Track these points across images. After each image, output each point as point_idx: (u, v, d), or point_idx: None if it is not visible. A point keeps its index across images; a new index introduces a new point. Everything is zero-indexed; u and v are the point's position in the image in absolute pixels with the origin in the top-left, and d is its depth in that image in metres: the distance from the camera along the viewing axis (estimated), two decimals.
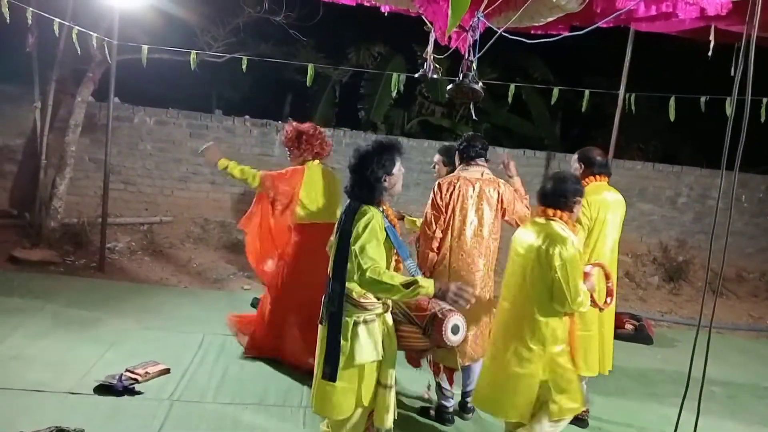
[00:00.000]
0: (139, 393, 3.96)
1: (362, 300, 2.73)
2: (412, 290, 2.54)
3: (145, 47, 6.56)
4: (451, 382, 3.95)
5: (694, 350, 1.87)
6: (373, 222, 2.70)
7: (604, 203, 3.93)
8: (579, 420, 4.04)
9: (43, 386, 3.92)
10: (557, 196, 3.10)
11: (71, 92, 7.55)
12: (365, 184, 2.80)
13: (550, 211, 3.09)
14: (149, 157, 8.43)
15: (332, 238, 2.90)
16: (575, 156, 4.20)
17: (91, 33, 6.07)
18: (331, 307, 2.75)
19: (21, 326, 4.87)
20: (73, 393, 3.88)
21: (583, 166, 4.07)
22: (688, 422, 2.51)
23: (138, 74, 7.34)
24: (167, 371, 4.29)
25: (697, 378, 2.42)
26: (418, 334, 2.88)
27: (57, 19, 5.74)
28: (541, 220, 3.10)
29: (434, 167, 4.44)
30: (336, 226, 2.89)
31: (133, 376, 4.09)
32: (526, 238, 3.09)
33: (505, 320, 3.17)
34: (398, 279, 2.57)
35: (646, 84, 7.57)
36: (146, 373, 4.16)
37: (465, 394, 4.06)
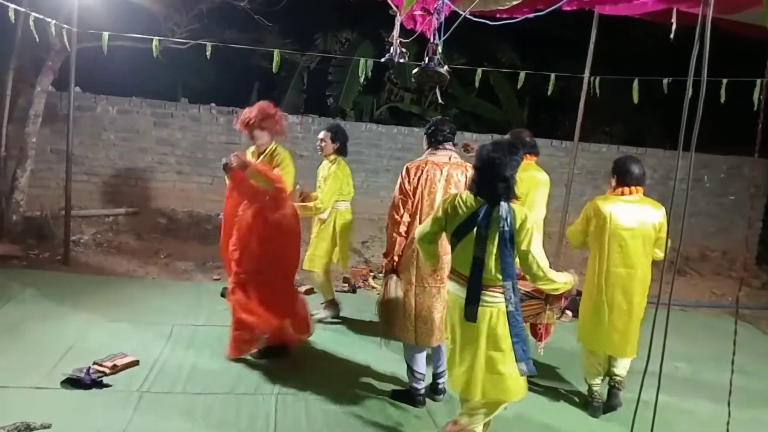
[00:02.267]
0: (107, 386, 3.90)
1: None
2: (563, 285, 3.11)
3: (105, 34, 6.41)
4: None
5: (653, 327, 1.91)
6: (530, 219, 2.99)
7: (534, 181, 4.42)
8: None
9: (8, 382, 3.84)
10: (644, 177, 4.08)
11: (30, 82, 7.33)
12: (507, 184, 2.96)
13: (642, 189, 4.03)
14: (113, 147, 8.29)
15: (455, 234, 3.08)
16: (507, 137, 4.60)
17: (50, 20, 5.91)
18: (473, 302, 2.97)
19: None
20: (39, 388, 3.81)
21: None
22: (652, 398, 2.56)
23: (99, 62, 7.19)
24: (136, 363, 4.24)
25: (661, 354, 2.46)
26: (540, 304, 3.38)
27: (12, 5, 5.57)
28: (638, 197, 4.01)
29: (321, 144, 5.33)
30: (463, 222, 3.02)
31: (101, 369, 4.03)
32: (638, 212, 3.95)
33: (630, 283, 3.98)
34: (559, 276, 3.09)
35: (612, 67, 7.65)
36: (114, 365, 4.10)
37: (436, 376, 4.09)
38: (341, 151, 5.38)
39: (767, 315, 7.31)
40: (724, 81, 5.99)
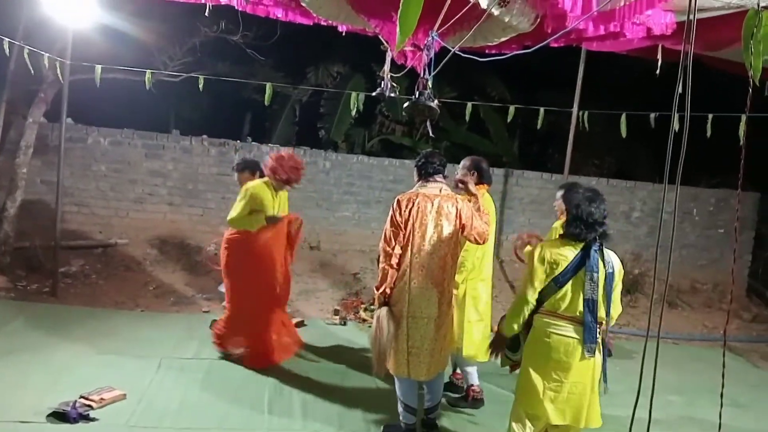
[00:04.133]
0: (93, 420, 3.84)
1: None
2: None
3: (98, 67, 6.46)
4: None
5: (644, 358, 1.91)
6: None
7: (489, 207, 4.52)
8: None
9: None
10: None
11: (22, 113, 7.35)
12: (605, 228, 3.21)
13: None
14: (103, 178, 8.27)
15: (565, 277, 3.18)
16: (467, 163, 4.68)
17: (43, 53, 5.96)
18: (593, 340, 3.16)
19: None
20: (24, 422, 3.74)
21: (476, 173, 4.57)
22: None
23: (92, 94, 7.21)
24: (123, 397, 4.17)
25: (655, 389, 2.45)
26: None
27: (7, 39, 5.62)
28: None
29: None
30: (567, 268, 3.16)
31: (88, 402, 3.97)
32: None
33: None
34: None
35: (601, 101, 7.79)
36: (101, 399, 4.03)
37: (428, 411, 4.05)
38: None
39: (758, 348, 7.32)
40: (710, 116, 6.10)
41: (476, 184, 4.40)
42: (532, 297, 3.21)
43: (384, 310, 3.78)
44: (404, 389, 3.90)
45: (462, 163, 4.72)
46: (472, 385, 4.63)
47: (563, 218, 4.79)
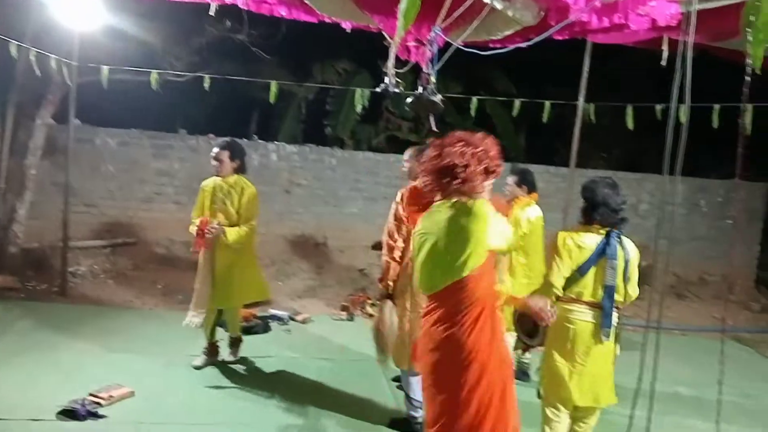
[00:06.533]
0: (102, 417, 3.87)
1: None
2: None
3: (105, 69, 6.50)
4: None
5: (644, 350, 1.92)
6: None
7: (538, 221, 4.83)
8: None
9: (4, 414, 3.80)
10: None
11: (31, 115, 7.40)
12: (624, 216, 3.32)
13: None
14: (112, 178, 8.33)
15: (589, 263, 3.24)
16: (516, 178, 4.90)
17: (51, 55, 5.99)
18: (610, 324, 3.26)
19: None
20: (35, 420, 3.78)
21: (525, 186, 4.85)
22: (655, 422, 2.56)
23: (99, 95, 7.26)
24: (131, 394, 4.21)
25: (663, 379, 2.46)
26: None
27: (15, 41, 5.66)
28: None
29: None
30: (591, 256, 3.22)
31: (97, 400, 4.00)
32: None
33: None
34: None
35: (608, 93, 7.75)
36: (110, 396, 4.07)
37: None
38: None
39: (767, 338, 7.28)
40: (716, 106, 6.06)
41: (527, 194, 4.85)
42: (559, 282, 3.26)
43: (387, 302, 3.79)
44: (408, 382, 3.91)
45: (509, 179, 4.92)
46: None
47: (518, 202, 4.84)
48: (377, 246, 4.80)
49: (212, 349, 4.92)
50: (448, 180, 2.72)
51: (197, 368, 4.78)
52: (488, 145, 2.77)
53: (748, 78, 1.62)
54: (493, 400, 2.70)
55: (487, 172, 2.78)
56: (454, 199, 2.76)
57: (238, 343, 5.11)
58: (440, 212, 2.80)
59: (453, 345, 2.69)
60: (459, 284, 2.71)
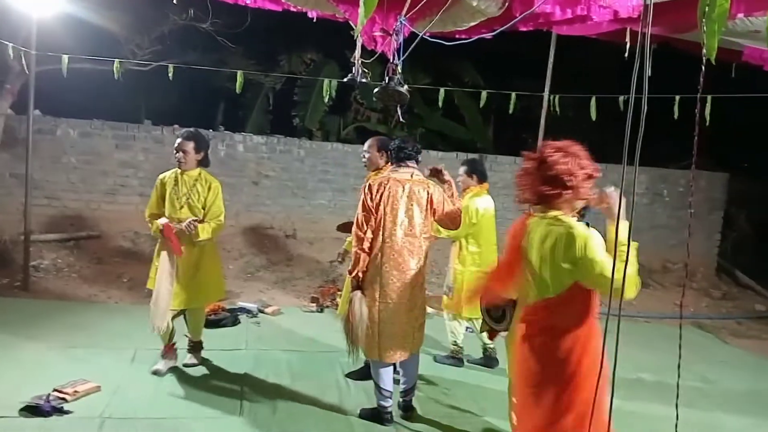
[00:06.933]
0: (68, 412, 3.80)
1: None
2: None
3: (65, 57, 6.35)
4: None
5: (605, 336, 1.96)
6: None
7: (490, 206, 5.03)
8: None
9: None
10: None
11: None
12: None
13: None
14: (74, 170, 8.16)
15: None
16: (466, 168, 5.01)
17: (8, 43, 5.83)
18: None
19: None
20: None
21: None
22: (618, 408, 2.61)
23: (59, 85, 7.10)
24: (97, 389, 4.14)
25: (625, 366, 2.51)
26: None
27: None
28: None
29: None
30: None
31: (61, 395, 3.93)
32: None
33: None
34: None
35: (573, 85, 7.85)
36: (75, 391, 4.00)
37: (404, 393, 4.09)
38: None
39: (727, 325, 7.50)
40: (677, 97, 6.19)
41: (478, 183, 4.97)
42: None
43: (356, 293, 3.80)
44: (378, 372, 3.93)
45: (460, 169, 5.00)
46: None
47: (469, 192, 4.92)
48: (343, 227, 4.79)
49: (170, 351, 4.69)
50: (558, 190, 2.70)
51: (160, 374, 4.51)
52: (582, 150, 2.79)
53: (703, 68, 1.66)
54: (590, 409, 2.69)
55: (590, 178, 2.78)
56: (557, 212, 2.74)
57: (199, 347, 4.85)
58: (547, 224, 2.74)
59: (562, 355, 2.66)
60: (570, 293, 2.66)
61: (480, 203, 4.92)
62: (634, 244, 2.42)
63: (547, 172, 2.70)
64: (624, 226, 2.44)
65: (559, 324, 2.68)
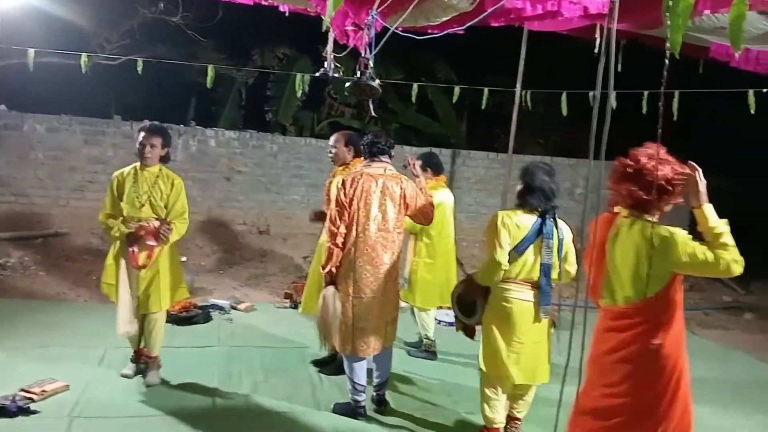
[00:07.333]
0: (35, 412, 3.73)
1: None
2: None
3: (31, 51, 6.20)
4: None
5: (572, 327, 2.01)
6: None
7: (448, 198, 5.17)
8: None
9: None
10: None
11: None
12: (555, 201, 3.50)
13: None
14: (41, 166, 8.01)
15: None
16: (420, 162, 4.85)
17: None
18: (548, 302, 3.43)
19: None
20: None
21: (430, 169, 5.01)
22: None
23: (26, 79, 6.95)
24: (66, 388, 4.07)
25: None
26: None
27: None
28: None
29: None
30: (526, 236, 3.38)
31: (28, 395, 3.85)
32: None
33: None
34: None
35: (545, 81, 7.93)
36: (43, 391, 3.93)
37: (377, 387, 4.09)
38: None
39: (695, 316, 7.64)
40: (646, 93, 6.28)
41: (433, 176, 5.01)
42: (503, 258, 3.33)
43: (330, 288, 3.80)
44: (351, 366, 3.94)
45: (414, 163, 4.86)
46: None
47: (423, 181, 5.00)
48: (318, 216, 4.77)
49: (140, 357, 4.47)
50: (656, 196, 2.75)
51: (127, 377, 4.37)
52: (670, 154, 2.89)
53: (667, 62, 1.68)
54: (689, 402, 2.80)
55: (682, 182, 2.84)
56: (649, 215, 2.83)
57: (157, 365, 4.42)
58: (639, 226, 2.82)
59: (656, 354, 2.75)
60: (662, 295, 2.76)
61: (437, 197, 4.93)
62: (724, 221, 2.61)
63: (646, 178, 2.77)
64: (709, 208, 2.65)
65: (657, 326, 2.75)
